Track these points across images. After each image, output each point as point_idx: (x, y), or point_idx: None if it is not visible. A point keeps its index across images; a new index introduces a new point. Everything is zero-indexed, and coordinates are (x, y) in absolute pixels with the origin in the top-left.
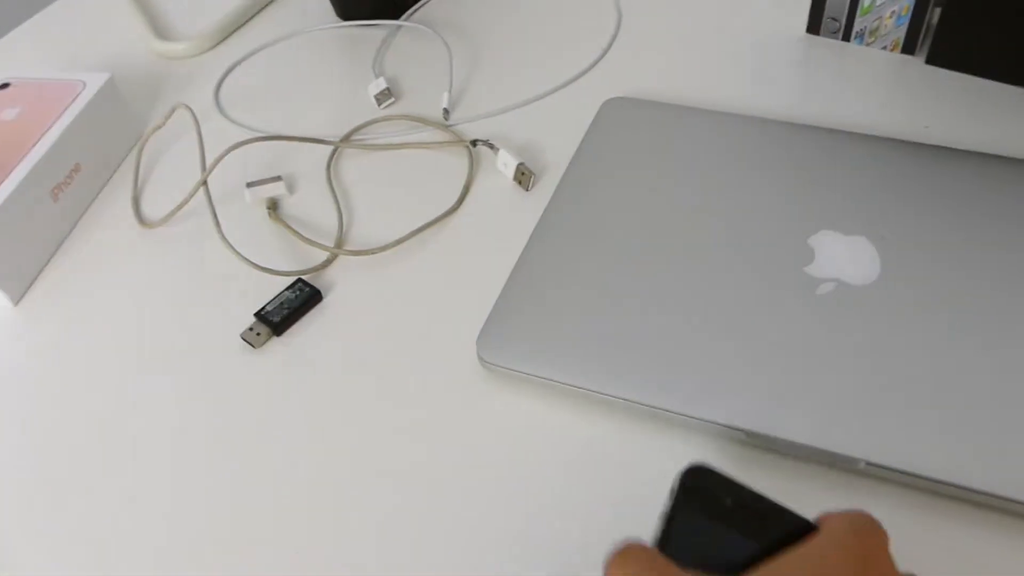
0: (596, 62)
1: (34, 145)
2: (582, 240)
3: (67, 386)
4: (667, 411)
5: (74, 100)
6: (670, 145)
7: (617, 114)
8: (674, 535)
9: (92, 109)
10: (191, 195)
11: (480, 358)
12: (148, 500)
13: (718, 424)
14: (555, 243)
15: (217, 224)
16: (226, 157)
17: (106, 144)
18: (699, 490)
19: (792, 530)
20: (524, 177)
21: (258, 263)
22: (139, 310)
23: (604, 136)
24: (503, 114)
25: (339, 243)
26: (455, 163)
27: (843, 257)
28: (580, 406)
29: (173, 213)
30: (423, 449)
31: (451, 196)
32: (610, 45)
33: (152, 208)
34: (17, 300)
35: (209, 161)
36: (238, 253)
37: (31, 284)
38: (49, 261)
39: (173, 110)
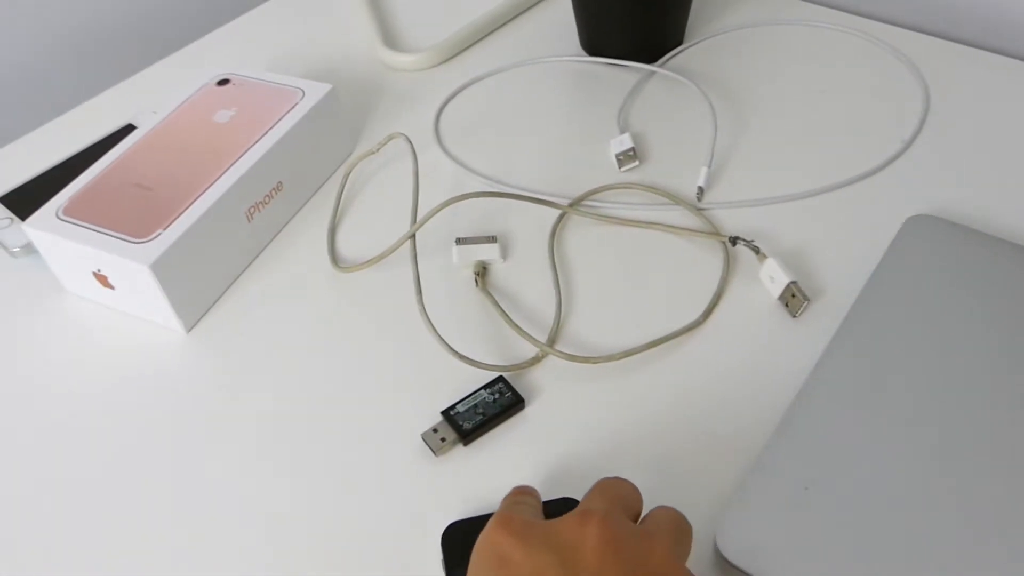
0: (894, 158)
1: (242, 155)
2: (871, 410)
3: (221, 430)
4: None
5: (290, 110)
6: (1000, 297)
7: (924, 238)
8: None
9: (308, 122)
10: (395, 248)
11: (719, 552)
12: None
13: None
14: (834, 407)
15: (419, 291)
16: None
17: (314, 163)
18: (460, 545)
19: None
20: (794, 301)
21: (457, 348)
22: (313, 367)
23: (906, 267)
24: (769, 205)
25: (552, 338)
26: (706, 259)
27: None
28: None
29: (371, 263)
30: None
31: (696, 302)
32: (913, 138)
33: (347, 245)
34: (191, 327)
35: (422, 209)
36: (438, 334)
37: (207, 311)
38: (229, 288)
39: (389, 138)
